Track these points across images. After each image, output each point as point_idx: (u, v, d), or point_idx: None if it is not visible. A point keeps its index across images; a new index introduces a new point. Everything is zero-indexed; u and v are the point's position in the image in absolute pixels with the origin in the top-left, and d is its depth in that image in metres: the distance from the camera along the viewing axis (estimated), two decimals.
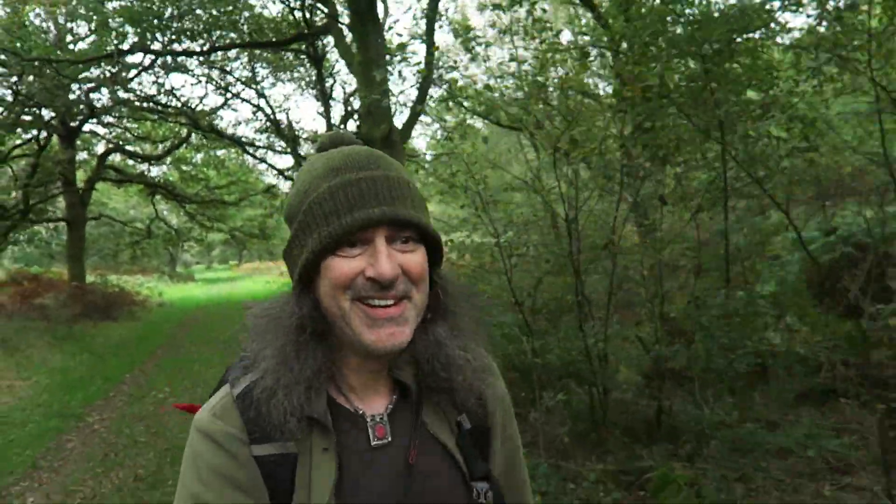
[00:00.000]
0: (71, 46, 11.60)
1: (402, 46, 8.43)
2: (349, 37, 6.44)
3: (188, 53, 9.28)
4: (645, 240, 5.42)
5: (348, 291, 0.77)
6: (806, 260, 5.58)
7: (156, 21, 7.78)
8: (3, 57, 8.42)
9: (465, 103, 6.91)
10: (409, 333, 0.79)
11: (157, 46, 8.80)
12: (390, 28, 9.89)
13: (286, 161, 19.39)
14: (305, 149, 14.78)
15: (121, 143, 17.20)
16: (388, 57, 9.26)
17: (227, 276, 38.31)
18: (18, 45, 8.60)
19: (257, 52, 13.67)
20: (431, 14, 5.96)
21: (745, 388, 4.47)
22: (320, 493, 0.77)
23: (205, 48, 9.17)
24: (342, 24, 6.47)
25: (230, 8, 8.11)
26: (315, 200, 0.79)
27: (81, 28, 11.51)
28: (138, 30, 7.92)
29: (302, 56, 13.91)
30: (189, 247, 34.09)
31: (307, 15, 10.05)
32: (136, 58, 10.96)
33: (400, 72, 5.51)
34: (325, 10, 6.95)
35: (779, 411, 4.03)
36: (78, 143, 15.06)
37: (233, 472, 0.77)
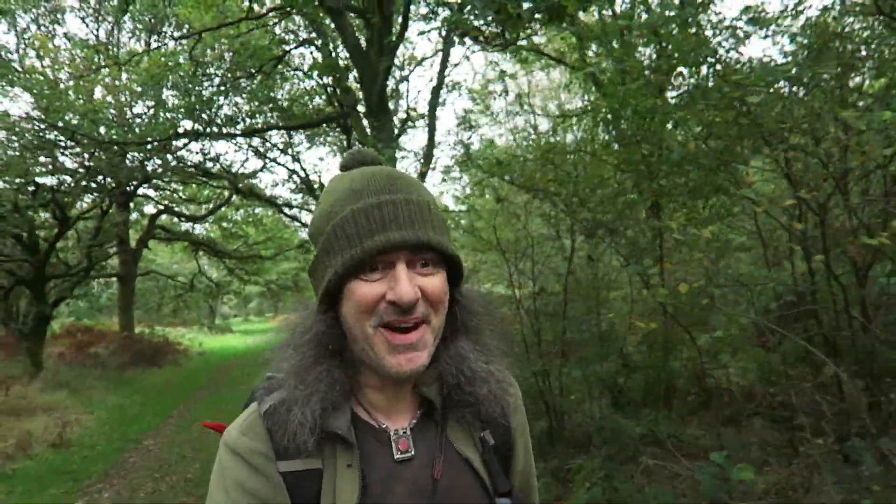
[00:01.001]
0: (128, 118, 13.56)
1: (417, 117, 9.81)
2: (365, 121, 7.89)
3: (233, 135, 10.96)
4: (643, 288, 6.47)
5: (372, 317, 0.81)
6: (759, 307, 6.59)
7: (207, 111, 9.47)
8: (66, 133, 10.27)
9: (479, 164, 8.20)
10: (427, 357, 0.83)
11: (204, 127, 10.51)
12: (412, 105, 11.42)
13: None
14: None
15: (169, 204, 19.13)
16: (406, 121, 10.70)
17: (262, 327, 40.10)
18: (86, 123, 10.40)
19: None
20: (434, 102, 7.30)
21: (690, 412, 5.51)
22: None
23: (247, 128, 10.88)
24: (360, 111, 7.93)
25: (270, 94, 9.73)
26: (338, 223, 0.82)
27: (137, 107, 13.35)
28: (191, 117, 9.61)
29: (333, 125, 15.63)
30: (227, 299, 36.01)
31: (337, 92, 11.70)
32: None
33: (403, 155, 6.79)
34: (346, 103, 8.45)
35: (704, 428, 5.03)
36: (130, 205, 17.00)
37: (258, 488, 0.81)
